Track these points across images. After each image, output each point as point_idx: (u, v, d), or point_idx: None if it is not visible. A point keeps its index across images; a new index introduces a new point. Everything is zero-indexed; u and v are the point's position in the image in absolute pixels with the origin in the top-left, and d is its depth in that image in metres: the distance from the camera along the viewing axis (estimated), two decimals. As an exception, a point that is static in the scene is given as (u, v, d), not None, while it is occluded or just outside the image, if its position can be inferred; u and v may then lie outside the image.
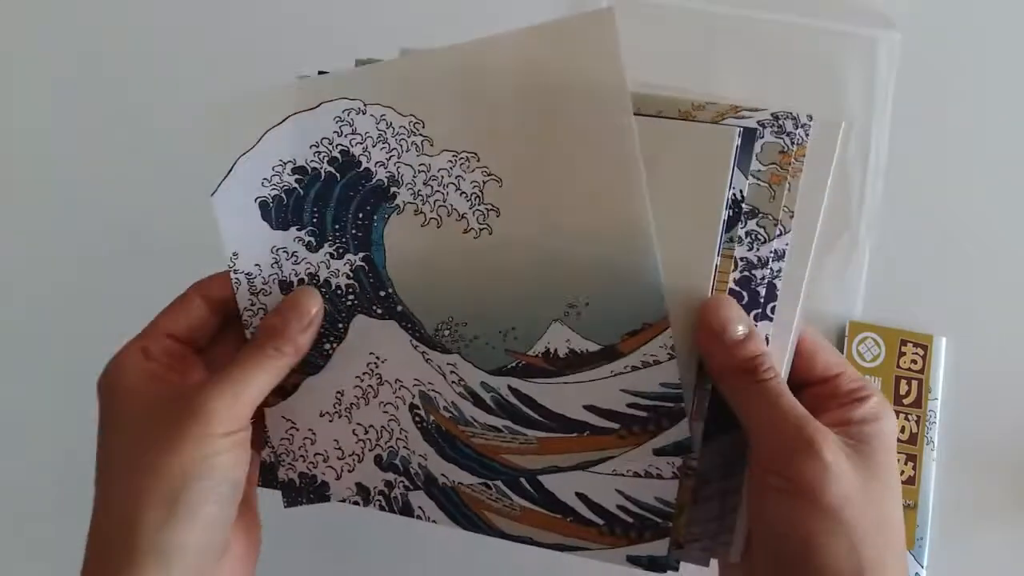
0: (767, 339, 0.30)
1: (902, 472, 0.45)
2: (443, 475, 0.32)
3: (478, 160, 0.31)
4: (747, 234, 0.30)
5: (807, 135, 0.30)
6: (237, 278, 0.32)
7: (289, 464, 0.33)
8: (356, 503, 0.33)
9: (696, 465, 0.30)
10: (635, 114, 0.29)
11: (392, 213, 0.32)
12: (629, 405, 0.30)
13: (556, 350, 0.31)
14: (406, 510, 0.33)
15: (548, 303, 0.31)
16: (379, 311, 0.32)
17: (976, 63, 0.50)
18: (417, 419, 0.32)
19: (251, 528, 0.32)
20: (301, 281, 0.32)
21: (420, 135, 0.31)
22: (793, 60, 0.49)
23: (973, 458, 0.46)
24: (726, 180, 0.29)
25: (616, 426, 0.31)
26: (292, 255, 0.32)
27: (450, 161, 0.31)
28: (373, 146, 0.32)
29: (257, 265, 0.33)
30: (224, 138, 0.32)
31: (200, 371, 0.32)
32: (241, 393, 0.29)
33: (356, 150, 0.32)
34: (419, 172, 0.31)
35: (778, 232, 0.30)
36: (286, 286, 0.32)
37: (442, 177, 0.31)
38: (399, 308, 0.32)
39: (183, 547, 0.27)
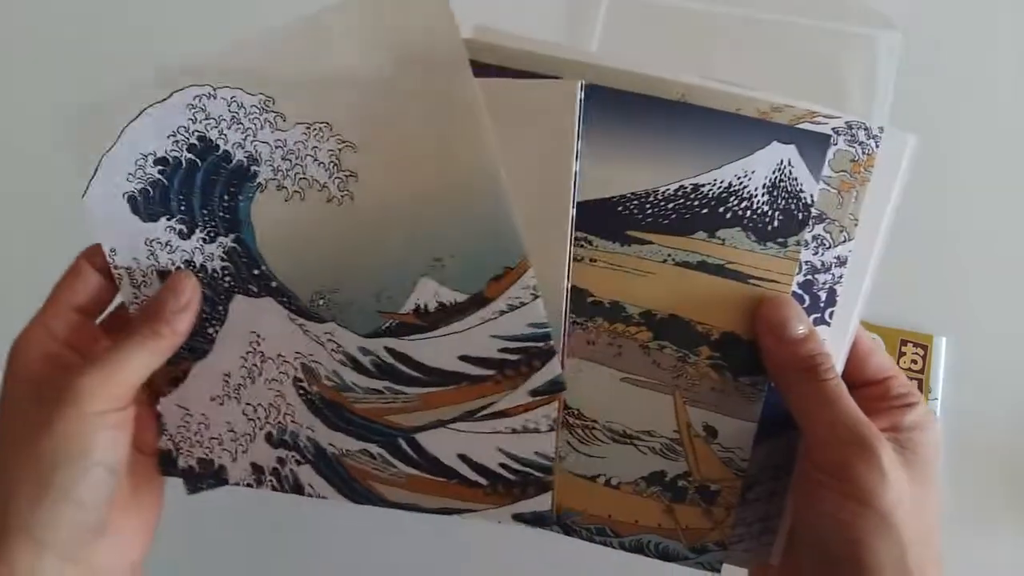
0: (824, 343, 0.30)
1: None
2: (331, 444, 0.32)
3: (331, 129, 0.31)
4: (814, 238, 0.30)
5: (877, 146, 0.30)
6: (118, 273, 0.33)
7: (187, 451, 0.33)
8: (250, 485, 0.33)
9: (746, 467, 0.31)
10: (704, 107, 0.30)
11: (256, 192, 0.32)
12: (500, 350, 0.31)
13: (426, 305, 0.31)
14: (296, 488, 0.33)
15: (414, 260, 0.31)
16: (255, 289, 0.32)
17: (976, 63, 0.50)
18: (301, 392, 0.32)
19: (144, 508, 0.32)
20: (177, 268, 0.33)
21: (272, 111, 0.32)
22: (793, 60, 0.49)
23: (973, 458, 0.46)
24: (573, 127, 0.30)
25: (491, 372, 0.31)
26: (166, 245, 0.33)
27: (304, 133, 0.32)
28: (228, 128, 0.32)
29: (135, 259, 0.33)
30: (89, 139, 0.33)
31: (103, 343, 0.32)
32: (115, 374, 0.29)
33: (212, 134, 0.32)
34: (276, 148, 0.32)
35: (843, 239, 0.30)
36: (165, 275, 0.33)
37: (299, 150, 0.32)
38: (273, 284, 0.32)
39: (54, 525, 0.28)
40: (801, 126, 0.30)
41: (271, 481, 0.33)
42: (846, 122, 0.30)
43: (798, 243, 0.30)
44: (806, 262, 0.30)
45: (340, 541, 0.50)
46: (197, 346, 0.33)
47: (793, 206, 0.30)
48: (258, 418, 0.33)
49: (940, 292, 0.47)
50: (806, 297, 0.31)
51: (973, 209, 0.48)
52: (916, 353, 0.47)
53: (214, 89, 0.32)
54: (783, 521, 0.31)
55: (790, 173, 0.30)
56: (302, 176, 0.32)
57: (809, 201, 0.30)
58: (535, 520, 0.31)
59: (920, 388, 0.47)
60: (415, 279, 0.31)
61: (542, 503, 0.31)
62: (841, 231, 0.30)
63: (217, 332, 0.33)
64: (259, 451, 0.33)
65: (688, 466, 0.31)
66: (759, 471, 0.31)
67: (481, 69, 0.30)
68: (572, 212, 0.30)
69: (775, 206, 0.30)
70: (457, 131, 0.30)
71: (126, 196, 0.33)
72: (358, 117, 0.31)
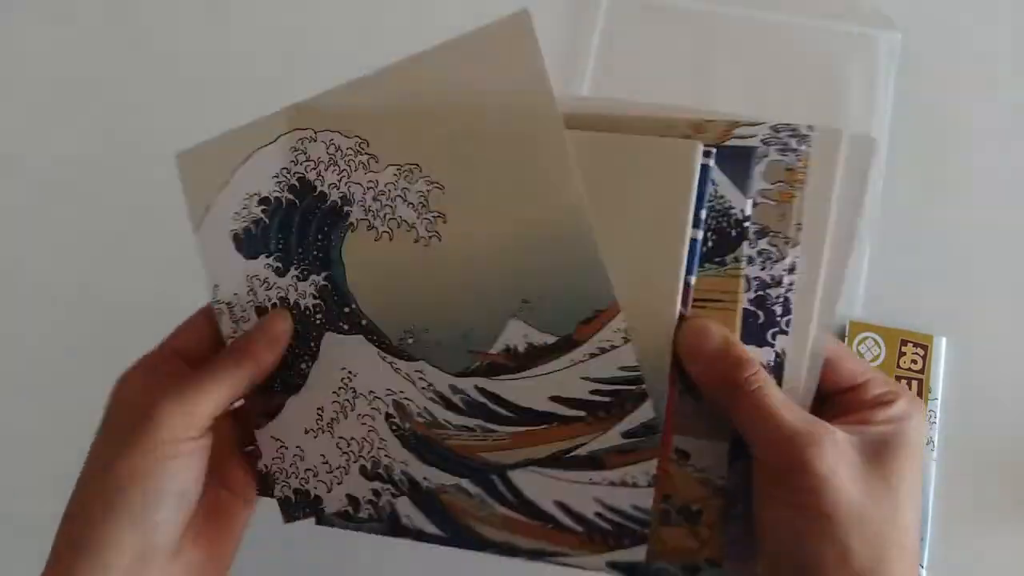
0: (783, 352, 0.30)
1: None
2: (425, 479, 0.33)
3: (420, 171, 0.32)
4: (759, 253, 0.30)
5: (809, 148, 0.30)
6: (219, 308, 0.34)
7: (284, 481, 0.35)
8: (347, 512, 0.34)
9: (723, 484, 0.30)
10: (632, 132, 0.30)
11: (347, 231, 0.33)
12: (592, 392, 0.30)
13: (516, 346, 0.31)
14: (393, 518, 0.33)
15: (503, 301, 0.31)
16: (345, 327, 0.33)
17: (976, 63, 0.50)
18: (394, 427, 0.33)
19: (219, 540, 0.33)
20: (274, 305, 0.34)
21: (366, 154, 0.32)
22: (793, 60, 0.49)
23: (973, 458, 0.46)
24: (692, 182, 0.29)
25: (582, 413, 0.31)
26: (264, 281, 0.34)
27: (395, 175, 0.32)
28: (326, 170, 0.33)
29: (235, 294, 0.34)
30: (201, 180, 0.35)
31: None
32: (191, 402, 0.30)
33: (311, 176, 0.33)
34: (368, 189, 0.32)
35: (789, 248, 0.30)
36: (262, 311, 0.34)
37: (389, 191, 0.32)
38: (363, 322, 0.33)
39: (118, 548, 0.28)
40: (729, 142, 0.30)
41: (368, 509, 0.34)
42: (772, 127, 0.30)
43: (736, 260, 0.30)
44: (755, 278, 0.30)
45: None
46: (290, 381, 0.34)
47: (725, 224, 0.30)
48: (352, 451, 0.34)
49: (940, 292, 0.47)
50: (760, 313, 0.30)
51: (973, 209, 0.48)
52: (916, 353, 0.47)
53: (315, 132, 0.33)
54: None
55: (715, 192, 0.30)
56: (391, 216, 0.32)
57: (741, 217, 0.30)
58: (628, 570, 0.31)
59: (920, 388, 0.46)
60: (504, 320, 0.31)
61: (637, 554, 0.30)
62: (787, 241, 0.30)
63: (310, 368, 0.34)
64: (354, 483, 0.34)
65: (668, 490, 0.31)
66: (736, 489, 0.30)
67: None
68: (684, 253, 0.30)
69: (707, 227, 0.30)
70: (544, 173, 0.30)
71: (231, 234, 0.34)
72: (447, 159, 0.31)
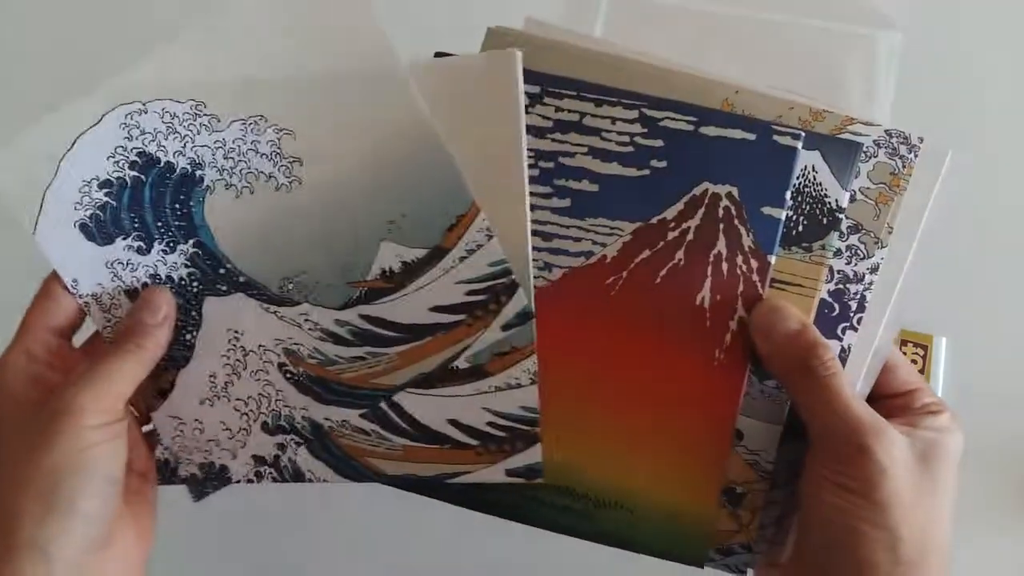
0: (848, 348, 0.31)
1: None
2: (326, 419, 0.34)
3: (266, 120, 0.33)
4: (848, 248, 0.31)
5: (916, 157, 0.31)
6: (84, 302, 0.34)
7: (187, 459, 0.34)
8: (251, 480, 0.34)
9: (771, 469, 0.31)
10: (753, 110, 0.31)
11: (205, 195, 0.33)
12: (467, 293, 0.33)
13: (391, 267, 0.33)
14: (297, 475, 0.34)
15: (370, 228, 0.33)
16: (224, 288, 0.34)
17: (976, 63, 0.50)
18: (288, 375, 0.34)
19: (141, 520, 0.33)
20: (144, 284, 0.34)
21: (205, 114, 0.33)
22: (793, 60, 0.48)
23: (973, 458, 0.46)
24: (518, 93, 0.31)
25: (462, 316, 0.33)
26: (127, 264, 0.34)
27: (241, 129, 0.33)
28: (165, 139, 0.33)
29: (99, 284, 0.34)
30: (21, 181, 0.33)
31: (81, 364, 0.33)
32: (108, 386, 0.30)
33: (151, 148, 0.33)
34: (216, 149, 0.33)
35: (877, 248, 0.31)
36: (132, 294, 0.34)
37: (239, 147, 0.33)
38: (241, 279, 0.33)
39: (62, 539, 0.28)
40: (843, 135, 0.31)
41: (271, 473, 0.34)
42: (885, 131, 0.31)
43: (823, 247, 0.31)
44: (839, 271, 0.31)
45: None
46: (178, 354, 0.34)
47: (818, 211, 0.31)
48: (251, 411, 0.34)
49: (940, 292, 0.44)
50: (836, 306, 0.31)
51: (973, 209, 0.47)
52: (916, 353, 0.47)
53: (144, 104, 0.33)
54: (793, 520, 0.32)
55: (814, 179, 0.31)
56: (247, 171, 0.33)
57: (835, 206, 0.31)
58: (527, 473, 0.33)
59: None
60: (376, 245, 0.33)
61: (532, 455, 0.33)
62: (876, 242, 0.31)
63: (195, 337, 0.34)
64: (258, 442, 0.34)
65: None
66: (777, 473, 0.32)
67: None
68: (524, 153, 0.32)
69: (799, 211, 0.31)
70: (386, 98, 0.32)
71: (77, 225, 0.33)
72: (291, 104, 0.33)
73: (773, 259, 0.31)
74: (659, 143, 0.31)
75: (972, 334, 0.47)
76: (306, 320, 0.33)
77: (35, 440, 0.29)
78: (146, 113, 0.33)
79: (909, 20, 0.49)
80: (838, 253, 0.31)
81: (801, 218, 0.31)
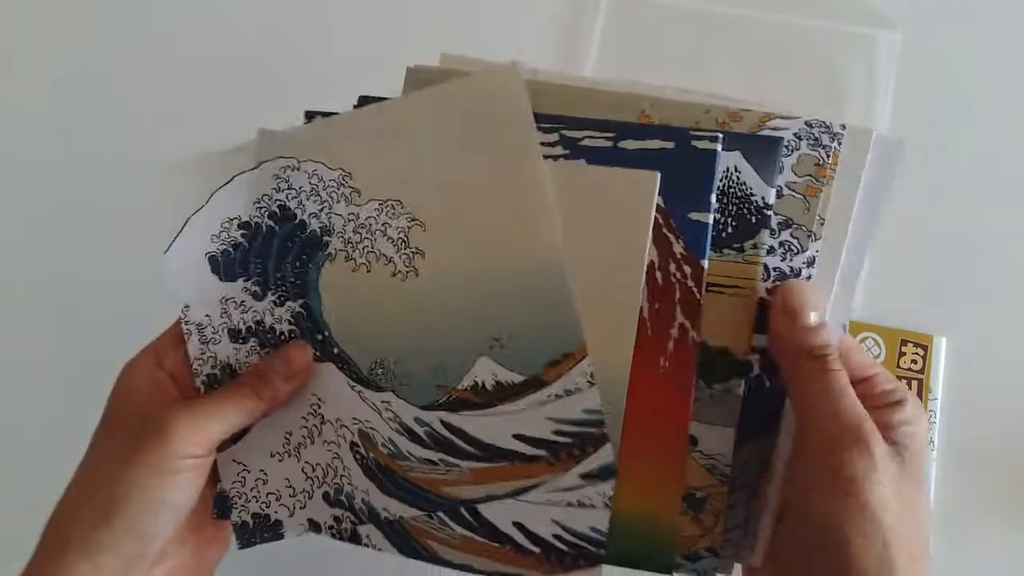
0: None
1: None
2: (385, 509, 0.33)
3: (402, 207, 0.33)
4: (780, 244, 0.31)
5: (840, 145, 0.31)
6: (188, 328, 0.35)
7: (242, 506, 0.35)
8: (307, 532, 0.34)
9: (729, 472, 0.31)
10: (666, 117, 0.31)
11: (326, 261, 0.34)
12: (555, 432, 0.31)
13: (484, 383, 0.32)
14: (354, 538, 0.34)
15: (474, 339, 0.32)
16: (318, 354, 0.34)
17: (976, 63, 0.50)
18: (358, 456, 0.33)
19: (203, 542, 0.34)
20: (249, 328, 0.34)
21: (348, 186, 0.33)
22: (793, 60, 0.49)
23: (973, 458, 0.46)
24: (649, 217, 0.31)
25: (544, 453, 0.31)
26: (240, 304, 0.35)
27: (376, 209, 0.33)
28: (307, 199, 0.34)
29: (207, 315, 0.35)
30: (175, 196, 0.35)
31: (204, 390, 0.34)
32: (205, 423, 0.31)
33: (292, 204, 0.34)
34: (349, 221, 0.33)
35: (811, 241, 0.31)
36: (235, 334, 0.34)
37: (370, 224, 0.33)
38: (335, 351, 0.34)
39: (112, 552, 0.29)
40: (762, 132, 0.31)
41: (329, 531, 0.34)
42: (806, 122, 0.31)
43: (755, 246, 0.31)
44: (775, 268, 0.31)
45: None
46: (262, 403, 0.34)
47: (745, 210, 0.31)
48: (316, 477, 0.34)
49: (940, 292, 0.46)
50: None
51: (973, 209, 0.48)
52: (916, 353, 0.47)
53: (299, 162, 0.34)
54: (764, 521, 0.31)
55: (738, 179, 0.31)
56: (371, 250, 0.33)
57: (762, 204, 0.31)
58: (601, 474, 0.31)
59: (920, 388, 0.46)
60: (474, 357, 0.32)
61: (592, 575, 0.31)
62: (808, 235, 0.31)
63: (281, 392, 0.34)
64: (316, 508, 0.34)
65: None
66: (737, 475, 0.31)
67: (567, 150, 0.31)
68: (641, 301, 0.31)
69: (727, 212, 0.31)
70: (522, 214, 0.31)
71: (208, 256, 0.35)
72: (429, 197, 0.32)
73: (706, 263, 0.30)
74: (582, 163, 0.31)
75: (972, 334, 0.47)
76: (387, 408, 0.33)
77: (125, 449, 0.30)
78: (298, 170, 0.34)
79: (909, 20, 0.49)
80: (772, 250, 0.31)
81: (730, 219, 0.31)
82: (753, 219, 0.31)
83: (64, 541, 0.29)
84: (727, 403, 0.31)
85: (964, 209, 0.48)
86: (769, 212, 0.31)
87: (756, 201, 0.31)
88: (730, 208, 0.31)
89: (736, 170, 0.31)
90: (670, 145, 0.31)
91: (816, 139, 0.31)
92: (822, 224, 0.31)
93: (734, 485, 0.32)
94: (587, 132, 0.31)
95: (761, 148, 0.31)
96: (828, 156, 0.31)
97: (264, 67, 0.56)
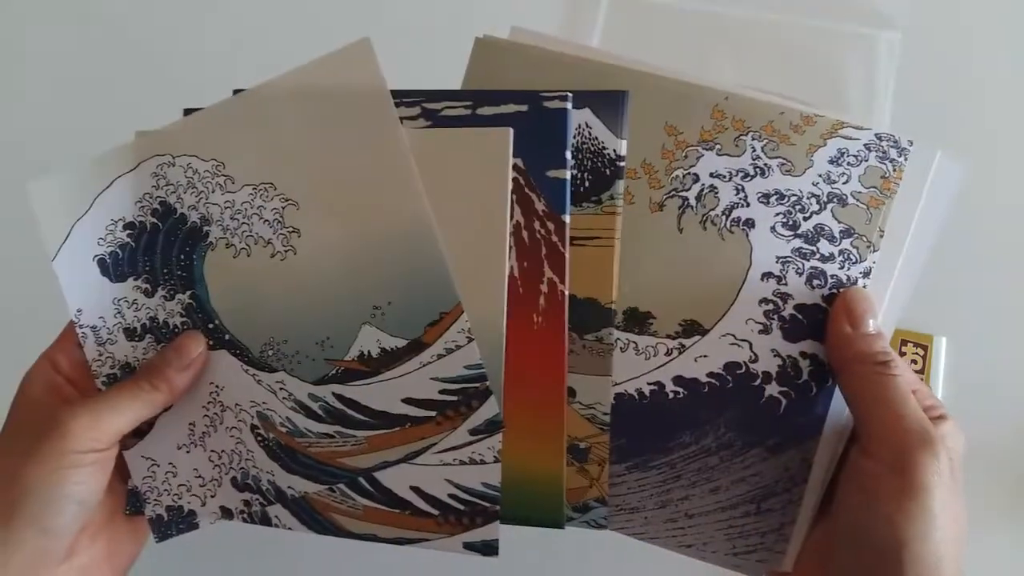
0: None
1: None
2: (290, 487, 0.34)
3: (275, 189, 0.33)
4: (840, 252, 0.31)
5: (906, 160, 0.31)
6: (83, 332, 0.35)
7: (155, 500, 0.35)
8: (220, 519, 0.35)
9: (608, 420, 0.31)
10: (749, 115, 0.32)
11: (207, 250, 0.34)
12: (440, 392, 0.32)
13: (369, 351, 0.33)
14: (264, 520, 0.34)
15: (355, 309, 0.33)
16: (211, 343, 0.34)
17: (976, 63, 0.50)
18: (259, 438, 0.34)
19: (115, 539, 0.34)
20: (143, 326, 0.35)
21: (222, 175, 0.34)
22: (793, 60, 0.49)
23: (973, 458, 0.45)
24: (507, 171, 0.31)
25: (432, 413, 0.32)
26: (132, 303, 0.35)
27: (250, 194, 0.34)
28: (184, 192, 0.34)
29: (101, 318, 0.35)
30: (58, 209, 0.35)
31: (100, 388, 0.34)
32: (104, 417, 0.31)
33: (171, 199, 0.34)
34: (225, 209, 0.34)
35: (869, 252, 0.31)
36: (130, 333, 0.35)
37: (245, 209, 0.34)
38: (226, 337, 0.34)
39: (16, 548, 0.30)
40: (832, 139, 0.31)
41: (241, 515, 0.34)
42: (876, 135, 0.31)
43: (612, 198, 0.31)
44: (832, 275, 0.31)
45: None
46: (163, 398, 0.35)
47: (600, 164, 0.32)
48: (223, 464, 0.35)
49: (940, 292, 0.45)
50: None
51: (973, 209, 0.47)
52: (916, 353, 0.47)
53: (174, 157, 0.34)
54: (798, 527, 0.32)
55: (590, 134, 0.32)
56: (248, 234, 0.34)
57: (614, 156, 0.32)
58: (485, 549, 0.32)
59: None
60: (357, 327, 0.33)
61: (490, 532, 0.32)
62: (868, 246, 0.31)
63: (181, 384, 0.35)
64: (226, 495, 0.35)
65: None
66: (775, 483, 0.32)
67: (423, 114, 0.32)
68: (508, 250, 0.31)
69: (583, 167, 0.32)
70: (389, 184, 0.32)
71: (96, 259, 0.35)
72: (299, 176, 0.33)
73: (567, 218, 0.31)
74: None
75: (972, 334, 0.47)
76: (281, 388, 0.34)
77: (24, 449, 0.30)
78: (174, 166, 0.34)
79: (909, 20, 0.49)
80: (831, 258, 0.31)
81: (586, 174, 0.32)
82: (607, 171, 0.32)
83: None
84: (600, 353, 0.32)
85: (964, 209, 0.47)
86: (622, 163, 0.32)
87: (608, 154, 0.32)
88: (585, 163, 0.32)
89: (587, 126, 0.32)
90: (524, 107, 0.31)
91: (884, 152, 0.31)
92: (881, 236, 0.31)
93: (768, 492, 0.32)
94: (446, 103, 0.32)
95: (609, 103, 0.32)
96: (894, 170, 0.31)
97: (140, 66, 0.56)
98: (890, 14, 0.50)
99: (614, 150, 0.32)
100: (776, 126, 0.32)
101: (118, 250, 0.35)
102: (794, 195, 0.32)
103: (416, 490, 0.32)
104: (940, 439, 0.28)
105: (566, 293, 0.31)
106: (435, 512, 0.32)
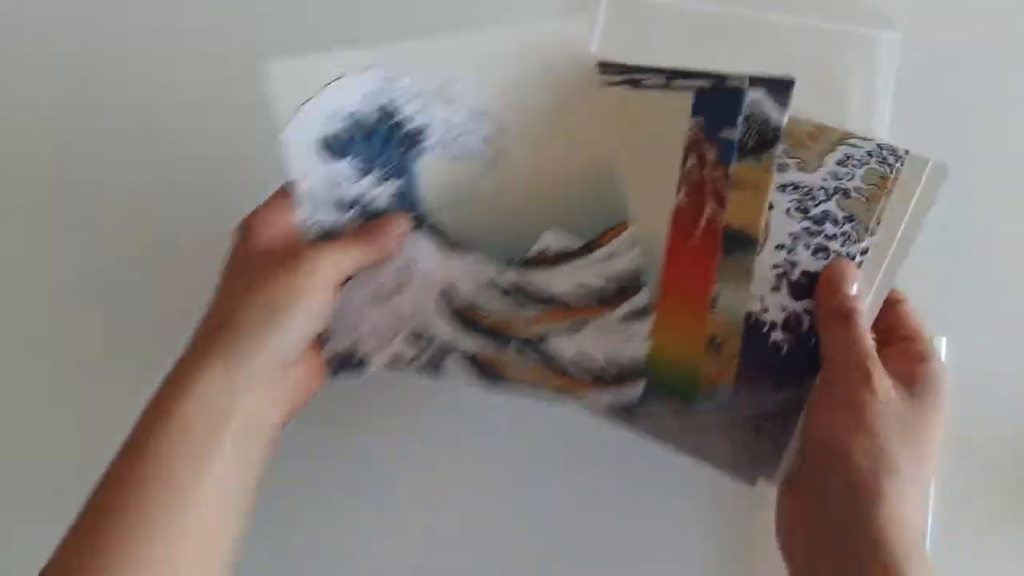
0: None
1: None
2: (463, 346, 0.41)
3: (492, 117, 0.43)
4: (842, 233, 0.39)
5: (902, 165, 0.39)
6: (299, 198, 0.41)
7: (337, 342, 0.41)
8: (390, 366, 0.41)
9: (741, 322, 0.39)
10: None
11: (424, 152, 0.43)
12: (605, 280, 0.42)
13: (549, 247, 0.42)
14: (434, 368, 0.41)
15: (546, 215, 0.42)
16: (414, 225, 0.42)
17: (976, 63, 0.50)
18: (441, 306, 0.42)
19: (307, 375, 0.40)
20: (354, 199, 0.42)
21: (447, 94, 0.43)
22: (793, 60, 0.50)
23: (973, 458, 0.46)
24: (684, 126, 0.41)
25: (595, 298, 0.42)
26: (347, 178, 0.42)
27: (468, 116, 0.43)
28: (409, 101, 0.43)
29: (316, 188, 0.42)
30: (289, 90, 0.41)
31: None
32: (339, 255, 0.38)
33: (399, 102, 0.42)
34: (442, 123, 0.43)
35: (868, 235, 0.39)
36: (340, 204, 0.42)
37: (464, 126, 0.43)
38: (430, 221, 0.42)
39: (264, 349, 0.36)
40: (839, 149, 0.40)
41: (413, 365, 0.41)
42: (878, 144, 0.40)
43: (769, 156, 0.39)
44: (834, 251, 0.39)
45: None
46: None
47: (763, 131, 0.39)
48: (402, 321, 0.42)
49: (940, 292, 0.44)
50: None
51: (973, 209, 0.47)
52: None
53: (405, 70, 0.42)
54: (790, 449, 0.39)
55: (760, 109, 0.39)
56: (463, 147, 0.43)
57: (775, 126, 0.39)
58: (623, 412, 0.41)
59: None
60: (544, 229, 0.42)
61: (634, 392, 0.41)
62: (866, 229, 0.39)
63: (379, 253, 0.42)
64: (400, 346, 0.41)
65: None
66: (775, 410, 0.40)
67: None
68: (681, 194, 0.41)
69: (749, 132, 0.39)
70: (585, 128, 0.42)
71: (319, 137, 0.42)
72: (514, 110, 0.43)
73: (731, 168, 0.39)
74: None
75: (972, 334, 0.47)
76: (470, 269, 0.42)
77: (273, 270, 0.37)
78: (404, 76, 0.43)
79: (909, 20, 0.49)
80: (835, 237, 0.39)
81: (752, 136, 0.39)
82: (768, 136, 0.39)
83: (232, 327, 0.35)
84: (742, 267, 0.40)
85: (964, 209, 0.46)
86: (779, 132, 0.39)
87: (772, 124, 0.39)
88: (752, 129, 0.39)
89: (759, 103, 0.40)
90: (708, 84, 0.41)
91: (884, 159, 0.39)
92: (879, 223, 0.39)
93: (768, 417, 0.39)
94: (646, 75, 0.42)
95: (778, 87, 0.40)
96: (891, 172, 0.39)
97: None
98: (890, 14, 0.50)
99: (777, 121, 0.39)
100: (796, 135, 0.40)
101: (341, 133, 0.42)
102: (806, 187, 0.40)
103: (577, 355, 0.41)
104: (873, 367, 0.35)
105: (722, 222, 0.41)
106: (589, 378, 0.41)
